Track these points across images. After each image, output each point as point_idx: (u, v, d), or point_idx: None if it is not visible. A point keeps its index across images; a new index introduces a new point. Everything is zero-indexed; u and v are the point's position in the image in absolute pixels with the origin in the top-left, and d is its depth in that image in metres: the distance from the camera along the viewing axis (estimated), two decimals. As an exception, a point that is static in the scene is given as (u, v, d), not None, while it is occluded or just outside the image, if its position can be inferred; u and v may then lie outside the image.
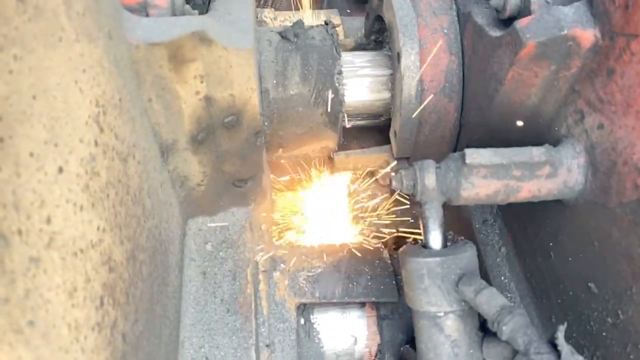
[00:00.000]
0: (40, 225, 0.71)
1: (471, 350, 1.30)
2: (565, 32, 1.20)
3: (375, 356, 1.70)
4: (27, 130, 0.69)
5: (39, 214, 0.71)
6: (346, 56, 1.78)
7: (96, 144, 0.93)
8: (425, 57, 1.60)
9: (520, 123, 1.43)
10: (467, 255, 1.31)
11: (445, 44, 1.61)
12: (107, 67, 1.00)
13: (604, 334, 1.27)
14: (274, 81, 1.62)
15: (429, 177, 1.30)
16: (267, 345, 1.58)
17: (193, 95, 1.30)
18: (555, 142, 1.34)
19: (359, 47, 1.99)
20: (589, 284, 1.30)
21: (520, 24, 1.27)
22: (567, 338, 1.10)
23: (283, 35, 1.66)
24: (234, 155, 1.52)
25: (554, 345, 1.08)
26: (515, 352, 1.18)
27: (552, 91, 1.33)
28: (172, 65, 1.22)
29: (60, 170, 0.78)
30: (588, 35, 1.19)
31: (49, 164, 0.75)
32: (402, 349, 1.64)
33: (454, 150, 1.76)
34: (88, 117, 0.91)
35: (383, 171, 1.86)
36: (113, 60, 1.04)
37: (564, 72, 1.28)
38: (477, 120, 1.58)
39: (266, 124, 1.65)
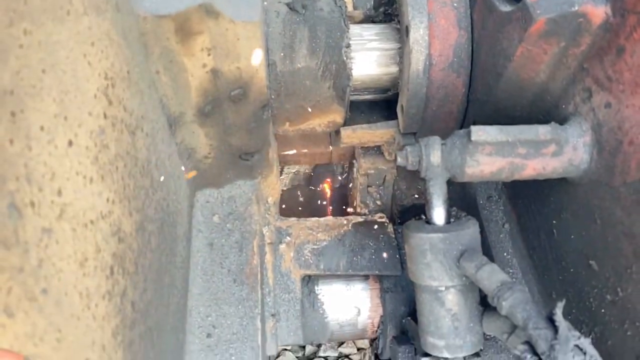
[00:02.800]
0: (52, 197, 0.73)
1: (471, 324, 1.33)
2: (576, 8, 1.18)
3: (378, 327, 1.74)
4: (37, 104, 0.71)
5: (50, 187, 0.73)
6: (354, 29, 1.76)
7: (105, 116, 0.94)
8: (434, 31, 1.58)
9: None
10: (470, 232, 1.32)
11: (454, 18, 1.59)
12: (115, 39, 1.01)
13: (603, 310, 1.29)
14: (282, 54, 1.61)
15: (434, 153, 1.31)
16: (272, 315, 1.62)
17: (200, 67, 1.31)
18: (562, 120, 1.33)
19: (367, 19, 1.96)
20: (590, 261, 1.32)
21: (531, -1, 1.25)
22: (567, 314, 1.12)
23: (291, 6, 1.64)
24: (241, 129, 1.53)
25: (552, 321, 1.10)
26: (514, 327, 1.20)
27: (561, 69, 1.32)
28: (179, 37, 1.22)
29: (70, 143, 0.80)
30: (599, 12, 1.17)
31: (59, 137, 0.76)
32: (403, 321, 1.67)
33: (461, 127, 1.75)
34: (97, 90, 0.92)
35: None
36: (121, 33, 1.05)
37: (573, 50, 1.26)
38: (484, 97, 1.57)
39: (273, 97, 1.65)
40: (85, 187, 0.84)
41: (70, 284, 0.77)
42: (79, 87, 0.84)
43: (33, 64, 0.70)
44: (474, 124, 1.31)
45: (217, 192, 1.69)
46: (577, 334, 1.06)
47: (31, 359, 0.66)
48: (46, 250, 0.70)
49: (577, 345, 1.05)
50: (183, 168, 1.54)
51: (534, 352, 1.10)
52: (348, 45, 1.65)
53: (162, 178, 1.28)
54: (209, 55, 1.28)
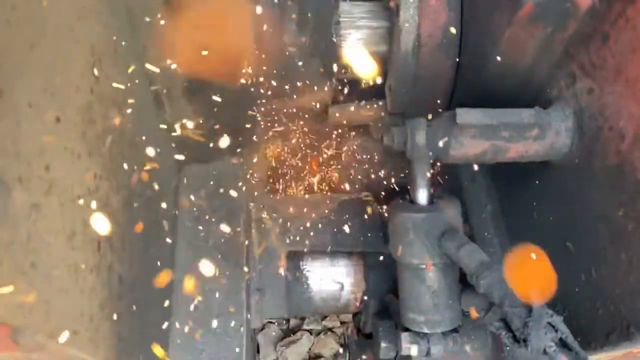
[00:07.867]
0: (40, 173, 0.74)
1: (450, 301, 1.37)
2: (564, -7, 1.19)
3: (360, 302, 1.78)
4: (25, 81, 0.71)
5: (38, 162, 0.74)
6: (344, 6, 1.75)
7: (92, 92, 0.94)
8: (424, 11, 1.58)
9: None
10: (452, 212, 1.35)
11: (444, -1, 1.59)
12: (102, 14, 1.00)
13: (576, 290, 1.33)
14: (270, 31, 1.60)
15: (420, 135, 1.32)
16: (257, 289, 1.65)
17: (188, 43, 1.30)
18: (546, 104, 1.35)
19: (358, -4, 1.95)
20: (567, 243, 1.36)
21: (520, -17, 1.25)
22: (541, 293, 1.16)
23: (280, -18, 1.62)
24: (229, 105, 1.53)
25: (527, 299, 1.14)
26: (491, 305, 1.24)
27: (547, 53, 1.34)
28: (167, 12, 1.21)
29: (58, 119, 0.80)
30: (586, -2, 1.18)
31: (47, 113, 0.77)
32: (385, 297, 1.71)
33: (449, 107, 1.76)
34: (84, 66, 0.91)
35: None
36: (108, 7, 1.04)
37: (559, 34, 1.28)
38: (471, 79, 1.58)
39: (261, 74, 1.64)
40: (73, 163, 0.85)
41: (59, 257, 0.78)
42: (66, 63, 0.84)
43: (20, 40, 0.70)
44: (461, 105, 1.33)
45: (205, 168, 1.69)
46: (550, 312, 1.10)
47: (20, 329, 0.68)
48: (35, 224, 0.71)
49: (549, 323, 1.09)
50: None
51: (509, 329, 1.15)
52: (338, 23, 1.65)
53: (149, 153, 1.28)
54: (197, 30, 1.28)
